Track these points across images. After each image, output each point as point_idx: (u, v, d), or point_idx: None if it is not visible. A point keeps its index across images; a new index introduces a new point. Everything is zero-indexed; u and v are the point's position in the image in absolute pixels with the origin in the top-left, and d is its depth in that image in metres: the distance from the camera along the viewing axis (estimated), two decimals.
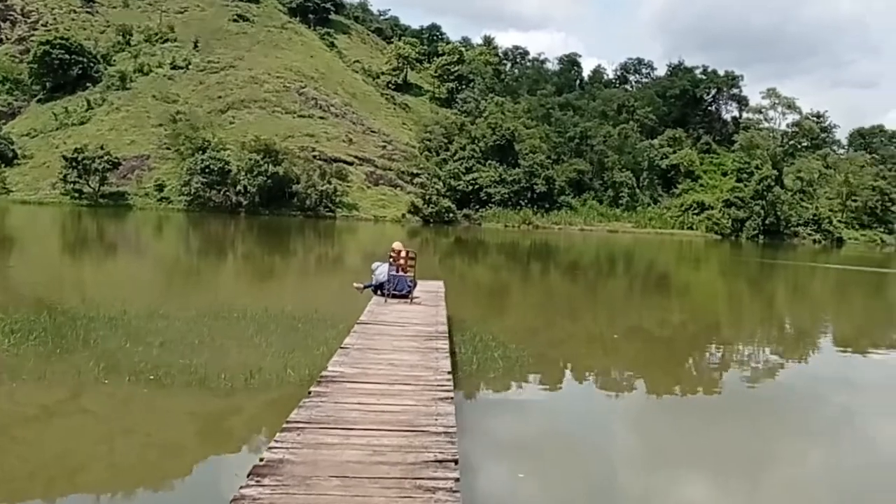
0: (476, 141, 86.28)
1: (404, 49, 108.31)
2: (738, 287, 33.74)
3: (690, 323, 20.09)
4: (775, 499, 7.32)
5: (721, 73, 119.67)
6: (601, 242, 63.58)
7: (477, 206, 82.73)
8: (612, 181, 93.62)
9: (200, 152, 66.04)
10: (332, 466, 4.79)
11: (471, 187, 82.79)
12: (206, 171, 65.05)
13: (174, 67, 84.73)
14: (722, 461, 8.31)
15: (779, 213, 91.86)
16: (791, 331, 20.32)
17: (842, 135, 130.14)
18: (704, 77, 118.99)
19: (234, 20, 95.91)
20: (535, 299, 23.35)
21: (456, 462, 4.90)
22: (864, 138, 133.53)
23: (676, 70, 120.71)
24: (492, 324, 15.41)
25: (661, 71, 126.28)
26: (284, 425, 5.52)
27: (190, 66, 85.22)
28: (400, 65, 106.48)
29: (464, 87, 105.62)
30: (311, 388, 6.55)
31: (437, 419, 5.74)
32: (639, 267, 42.07)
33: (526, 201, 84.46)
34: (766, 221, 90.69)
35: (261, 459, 4.86)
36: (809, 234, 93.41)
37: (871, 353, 16.65)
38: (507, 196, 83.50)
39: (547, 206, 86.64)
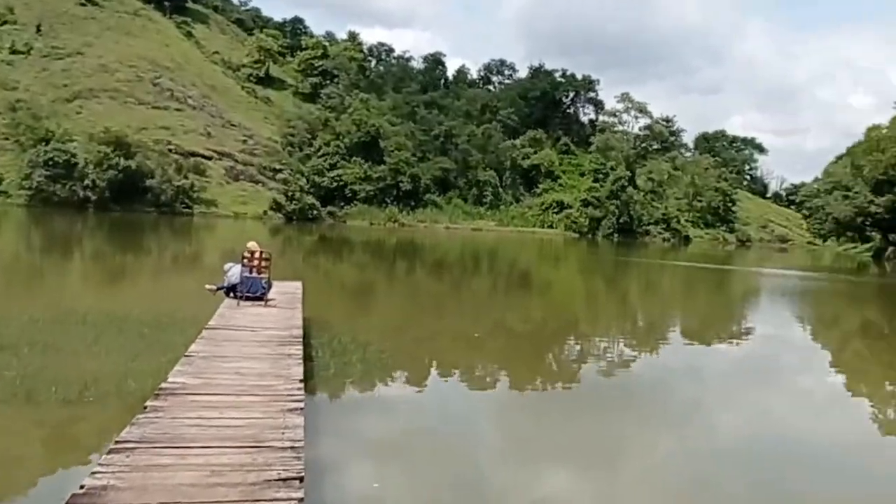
0: (341, 137, 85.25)
1: (266, 41, 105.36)
2: (594, 284, 34.98)
3: (551, 319, 20.52)
4: (631, 486, 7.43)
5: (579, 77, 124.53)
6: (466, 240, 64.40)
7: (342, 204, 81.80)
8: (477, 180, 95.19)
9: (43, 144, 61.35)
10: (162, 491, 4.31)
11: (335, 184, 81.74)
12: (50, 163, 60.54)
13: (13, 52, 78.29)
14: (582, 452, 8.39)
15: (632, 212, 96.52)
16: (643, 325, 21.14)
17: (689, 138, 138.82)
18: (564, 80, 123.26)
19: (82, 4, 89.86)
20: (399, 298, 23.16)
21: (301, 480, 4.54)
22: (709, 142, 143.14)
23: (537, 72, 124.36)
24: (355, 324, 15.06)
25: (522, 73, 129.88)
26: (112, 446, 4.96)
27: (32, 52, 79.03)
28: (262, 58, 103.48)
29: (328, 82, 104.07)
30: (147, 403, 5.97)
31: (283, 433, 5.34)
32: (502, 265, 42.85)
33: (391, 199, 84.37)
34: (621, 220, 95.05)
35: (81, 487, 4.31)
36: (660, 233, 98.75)
37: (715, 344, 17.60)
38: (372, 193, 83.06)
39: (412, 203, 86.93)
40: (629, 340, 17.54)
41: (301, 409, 5.96)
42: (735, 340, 18.63)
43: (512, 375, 12.18)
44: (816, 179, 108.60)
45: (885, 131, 76.52)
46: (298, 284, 14.30)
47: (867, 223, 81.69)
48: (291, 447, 5.05)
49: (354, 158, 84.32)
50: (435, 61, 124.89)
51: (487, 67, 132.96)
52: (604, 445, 8.68)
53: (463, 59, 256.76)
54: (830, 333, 21.62)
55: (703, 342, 17.89)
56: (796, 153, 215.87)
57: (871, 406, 11.99)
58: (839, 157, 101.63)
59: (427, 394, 10.56)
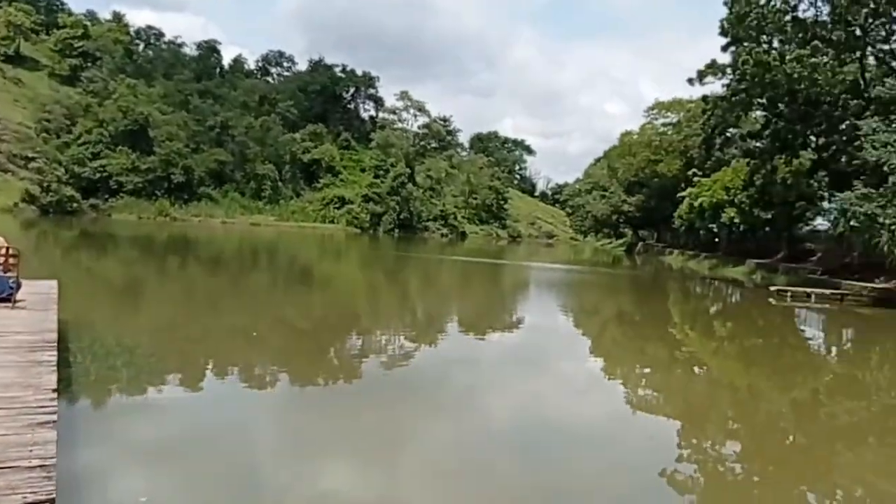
0: (104, 124, 78.98)
1: (16, 16, 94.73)
2: (375, 279, 35.31)
3: (332, 314, 20.38)
4: (410, 475, 7.54)
5: (360, 73, 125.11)
6: (243, 236, 62.34)
7: (106, 196, 75.92)
8: (255, 173, 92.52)
9: None
10: None
11: (98, 175, 75.67)
12: None
13: None
14: (362, 446, 8.37)
15: (412, 208, 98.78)
16: (422, 318, 21.65)
17: (464, 138, 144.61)
18: (344, 76, 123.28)
19: None
20: (172, 296, 21.84)
21: (52, 503, 4.08)
22: (483, 142, 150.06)
23: (317, 66, 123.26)
24: (121, 325, 14.00)
25: (302, 66, 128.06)
26: None
27: None
28: (11, 34, 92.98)
29: (90, 64, 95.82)
30: None
31: (31, 450, 4.76)
32: (282, 260, 41.98)
33: (162, 191, 79.68)
34: (401, 216, 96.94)
35: None
36: (438, 229, 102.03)
37: (489, 334, 18.41)
38: (140, 185, 77.91)
39: (186, 197, 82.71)
40: (409, 333, 17.87)
41: (53, 422, 5.36)
42: (507, 330, 19.62)
43: (292, 373, 11.91)
44: (578, 180, 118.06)
45: (635, 137, 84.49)
46: (53, 283, 12.96)
47: (621, 221, 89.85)
48: (41, 466, 4.53)
49: (120, 148, 78.54)
50: (209, 49, 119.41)
51: (266, 58, 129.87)
52: (384, 437, 8.73)
53: (240, 48, 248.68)
54: (591, 322, 23.47)
55: (478, 333, 18.64)
56: (561, 155, 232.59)
57: (624, 387, 13.15)
58: (597, 160, 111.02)
59: (202, 396, 10.02)
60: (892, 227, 26.35)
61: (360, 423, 9.32)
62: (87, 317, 13.56)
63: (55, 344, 8.03)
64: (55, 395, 6.06)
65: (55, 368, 6.93)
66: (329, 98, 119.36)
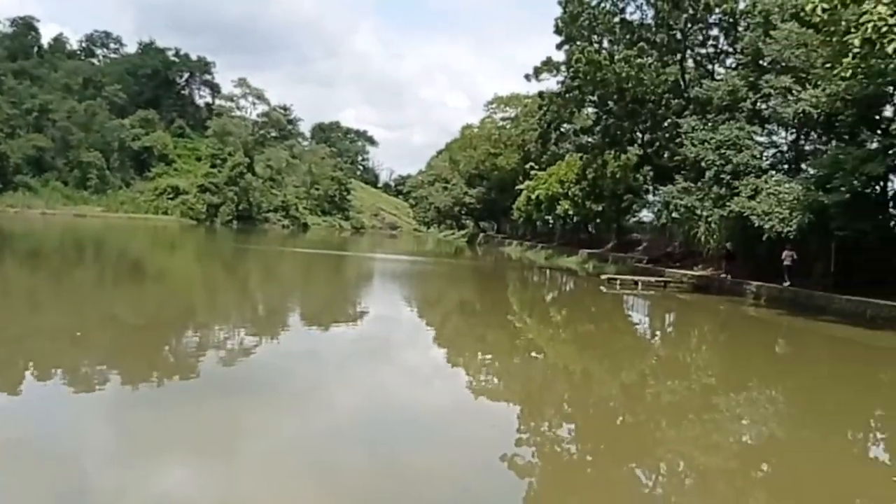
0: None
1: None
2: (213, 272, 34.00)
3: (167, 310, 19.37)
4: (252, 473, 7.27)
5: (194, 57, 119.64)
6: (67, 228, 58.09)
7: None
8: (79, 161, 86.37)
9: None
10: None
11: None
12: None
13: None
14: (202, 445, 8.01)
15: (251, 199, 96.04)
16: (264, 311, 21.09)
17: (305, 128, 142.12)
18: (177, 60, 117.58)
19: None
20: None
21: None
22: (324, 132, 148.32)
23: (148, 49, 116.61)
24: None
25: (131, 48, 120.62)
26: None
27: None
28: None
29: None
30: None
31: None
32: (111, 254, 39.48)
33: None
34: (240, 207, 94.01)
35: None
36: (279, 220, 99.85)
37: (333, 327, 18.20)
38: None
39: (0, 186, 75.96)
40: (250, 328, 17.31)
41: None
42: (351, 322, 19.49)
43: (124, 372, 11.15)
44: (421, 172, 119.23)
45: (476, 130, 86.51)
46: None
47: (463, 212, 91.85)
48: None
49: None
50: (26, 25, 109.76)
51: (90, 38, 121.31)
52: (225, 435, 8.40)
53: (61, 26, 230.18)
54: (434, 312, 23.78)
55: (321, 325, 18.38)
56: (403, 146, 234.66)
57: (467, 375, 13.41)
58: (440, 152, 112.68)
59: (20, 402, 9.20)
60: (709, 219, 28.63)
61: (197, 424, 8.90)
62: None
63: None
64: None
65: None
66: (161, 83, 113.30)
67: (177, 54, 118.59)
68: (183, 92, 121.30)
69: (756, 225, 25.10)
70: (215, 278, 30.97)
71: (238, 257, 43.59)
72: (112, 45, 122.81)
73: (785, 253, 26.49)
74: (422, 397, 11.39)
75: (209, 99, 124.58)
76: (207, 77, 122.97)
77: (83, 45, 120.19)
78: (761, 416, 11.22)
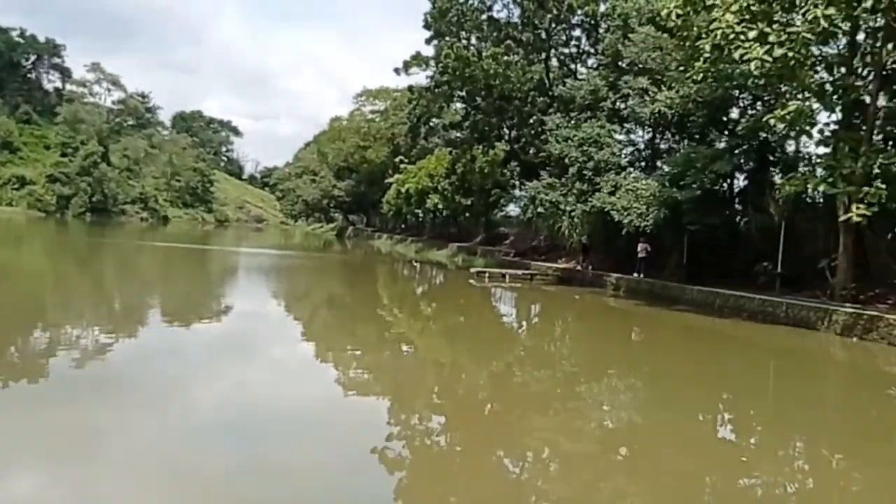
0: None
1: None
2: (64, 268, 31.89)
3: (11, 309, 17.93)
4: (111, 479, 6.87)
5: (42, 39, 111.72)
6: None
7: None
8: None
9: None
10: None
11: None
12: None
13: None
14: (55, 452, 7.43)
15: (106, 190, 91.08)
16: (121, 308, 20.00)
17: (165, 117, 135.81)
18: (22, 41, 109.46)
19: None
20: None
21: None
22: (186, 122, 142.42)
23: None
24: None
25: None
26: None
27: None
28: None
29: None
30: None
31: None
32: None
33: None
34: (94, 199, 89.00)
35: None
36: (137, 212, 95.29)
37: (195, 323, 17.47)
38: None
39: None
40: (106, 326, 16.31)
41: None
42: (215, 318, 18.80)
43: None
44: (288, 164, 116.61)
45: (345, 123, 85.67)
46: None
47: (332, 205, 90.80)
48: None
49: None
50: None
51: None
52: (80, 440, 7.84)
53: None
54: (302, 306, 23.31)
55: (183, 322, 17.61)
56: (269, 138, 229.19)
57: (336, 370, 13.20)
58: (307, 144, 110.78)
59: None
60: (572, 214, 29.68)
61: (50, 427, 8.25)
62: None
63: None
64: None
65: None
66: (4, 65, 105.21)
67: (22, 35, 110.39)
68: (29, 76, 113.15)
69: (616, 220, 26.24)
70: (66, 275, 29.04)
71: (91, 252, 41.18)
72: None
73: (640, 246, 28.02)
74: (289, 394, 11.09)
75: (59, 84, 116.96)
76: (57, 60, 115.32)
77: None
78: (621, 402, 11.69)
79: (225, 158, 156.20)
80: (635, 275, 28.31)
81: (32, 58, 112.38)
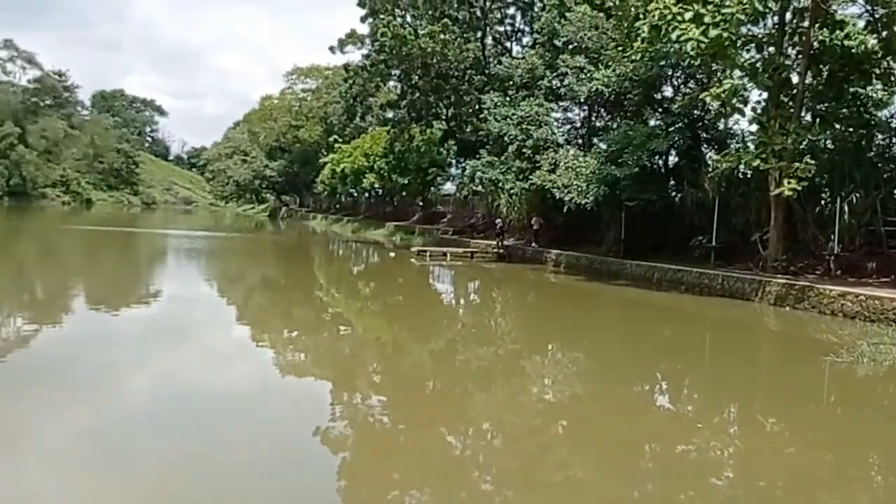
0: None
1: None
2: None
3: None
4: (42, 464, 6.58)
5: None
6: None
7: None
8: None
9: None
10: None
11: None
12: None
13: None
14: None
15: (25, 173, 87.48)
16: (43, 296, 19.12)
17: (85, 96, 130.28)
18: None
19: None
20: None
21: None
22: (107, 101, 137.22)
23: None
24: None
25: None
26: None
27: None
28: None
29: None
30: None
31: None
32: None
33: None
34: (11, 182, 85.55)
35: None
36: (58, 196, 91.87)
37: (123, 309, 16.83)
38: None
39: None
40: (26, 314, 15.53)
41: None
42: (144, 303, 18.15)
43: None
44: (216, 144, 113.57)
45: (276, 101, 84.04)
46: None
47: (264, 186, 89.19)
48: None
49: None
50: None
51: None
52: (4, 433, 7.39)
53: None
54: (235, 289, 22.74)
55: (110, 307, 16.89)
56: (196, 117, 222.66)
57: (273, 352, 12.85)
58: (237, 124, 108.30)
59: None
60: (511, 191, 29.79)
61: None
62: None
63: None
64: None
65: None
66: None
67: None
68: None
69: (557, 197, 26.38)
70: None
71: (9, 237, 39.41)
72: None
73: (534, 219, 31.18)
74: (225, 379, 10.70)
75: None
76: None
77: None
78: (563, 376, 11.71)
79: (150, 139, 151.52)
80: (532, 245, 31.65)
81: None
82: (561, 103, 31.11)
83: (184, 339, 13.73)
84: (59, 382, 9.64)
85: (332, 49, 53.31)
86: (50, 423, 7.90)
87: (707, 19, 17.59)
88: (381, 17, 39.23)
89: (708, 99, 19.75)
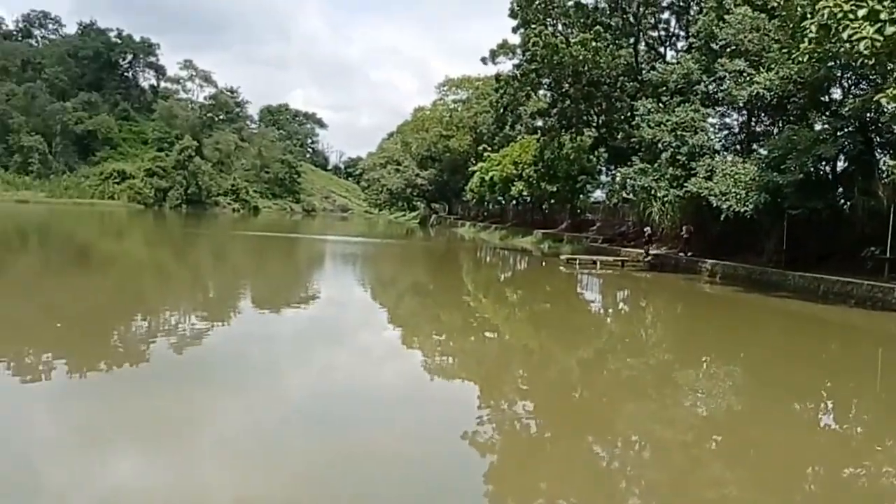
0: None
1: None
2: (164, 257, 33.15)
3: (115, 297, 18.71)
4: (207, 460, 7.03)
5: (137, 38, 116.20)
6: (8, 214, 56.12)
7: None
8: (20, 146, 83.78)
9: None
10: None
11: None
12: None
13: None
14: (153, 433, 7.65)
15: (200, 183, 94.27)
16: (215, 296, 20.59)
17: (253, 110, 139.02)
18: (120, 41, 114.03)
19: None
20: None
21: None
22: (273, 115, 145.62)
23: (88, 30, 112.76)
24: None
25: (70, 28, 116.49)
26: None
27: None
28: None
29: None
30: None
31: None
32: (55, 241, 38.24)
33: None
34: (189, 191, 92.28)
35: None
36: (229, 203, 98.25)
37: (285, 310, 17.84)
38: None
39: None
40: (201, 313, 16.83)
41: None
42: (303, 305, 19.12)
43: (70, 362, 10.60)
44: (370, 154, 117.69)
45: (428, 112, 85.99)
46: None
47: (415, 194, 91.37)
48: None
49: None
50: None
51: (27, 19, 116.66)
52: (177, 422, 8.06)
53: None
54: (387, 293, 23.49)
55: (273, 308, 17.98)
56: (351, 128, 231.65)
57: (423, 355, 13.19)
58: (391, 135, 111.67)
59: None
60: (665, 199, 28.98)
61: (148, 410, 8.50)
62: None
63: None
64: None
65: None
66: (104, 65, 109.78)
67: (119, 35, 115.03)
68: (126, 74, 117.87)
69: (714, 205, 25.40)
70: (166, 264, 30.19)
71: (188, 242, 42.67)
72: (51, 26, 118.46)
73: (684, 227, 30.52)
74: (377, 378, 11.13)
75: (154, 81, 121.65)
76: (152, 59, 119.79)
77: (20, 25, 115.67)
78: (719, 389, 11.25)
79: (311, 150, 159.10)
80: (683, 254, 30.77)
81: (129, 57, 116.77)
82: (718, 108, 29.94)
83: (339, 339, 14.37)
84: (227, 377, 10.38)
85: (483, 60, 54.11)
86: (217, 415, 8.54)
87: (884, 16, 16.32)
88: (533, 26, 39.28)
89: (883, 101, 18.31)
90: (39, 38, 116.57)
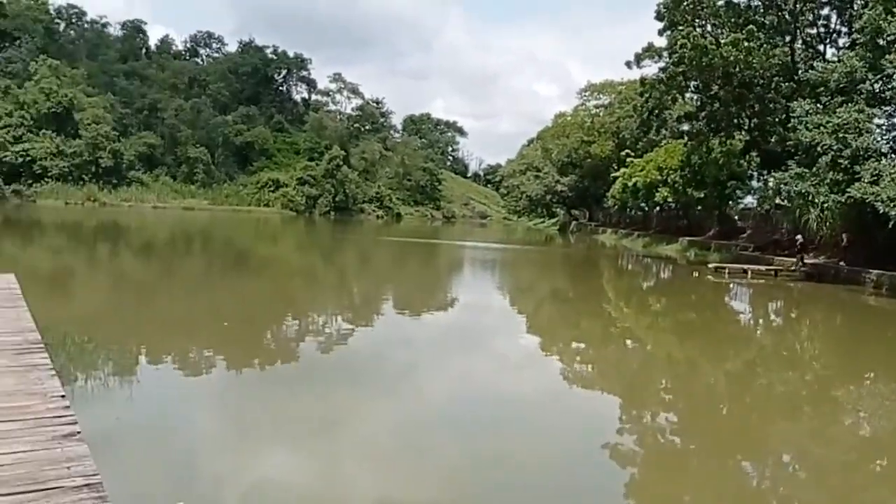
0: (26, 107, 75.48)
1: None
2: (313, 261, 34.74)
3: (271, 297, 19.84)
4: (352, 458, 7.33)
5: (291, 54, 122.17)
6: (177, 220, 60.56)
7: (30, 181, 72.74)
8: (186, 157, 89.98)
9: None
10: None
11: (21, 159, 72.45)
12: None
13: None
14: (302, 429, 8.11)
15: (347, 190, 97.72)
16: (360, 299, 21.33)
17: (397, 120, 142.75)
18: (275, 57, 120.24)
19: None
20: (104, 283, 21.01)
21: None
22: (415, 124, 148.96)
23: (247, 48, 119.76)
24: (87, 321, 13.13)
25: (232, 47, 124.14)
26: None
27: None
28: None
29: (7, 44, 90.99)
30: None
31: (69, 467, 3.93)
32: (217, 245, 40.92)
33: (90, 176, 76.62)
34: (337, 199, 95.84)
35: None
36: (374, 210, 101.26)
37: (425, 314, 18.27)
38: (67, 170, 74.80)
39: (115, 181, 79.80)
40: (346, 315, 17.53)
41: (79, 433, 4.47)
42: (443, 309, 19.46)
43: (230, 358, 11.35)
44: (510, 161, 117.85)
45: (569, 118, 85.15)
46: (11, 277, 11.10)
47: (554, 200, 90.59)
48: (87, 485, 3.72)
49: (44, 131, 75.17)
50: (135, 28, 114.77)
51: (194, 39, 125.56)
52: (324, 420, 8.47)
53: (166, 28, 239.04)
54: (526, 299, 23.47)
55: (414, 312, 18.43)
56: (491, 136, 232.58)
57: (562, 363, 13.12)
58: (531, 141, 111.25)
59: (146, 386, 9.45)
60: (824, 205, 27.24)
61: (298, 407, 9.00)
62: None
63: (41, 344, 6.86)
64: (67, 402, 5.11)
65: (54, 372, 5.91)
66: (261, 80, 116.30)
67: (275, 52, 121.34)
68: (281, 88, 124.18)
69: (881, 211, 23.67)
70: (314, 267, 31.62)
71: (336, 246, 44.43)
72: (214, 45, 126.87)
73: (844, 236, 29.07)
74: (516, 384, 11.17)
75: (306, 94, 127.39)
76: (304, 73, 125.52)
77: (188, 45, 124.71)
78: (883, 410, 10.49)
79: (451, 158, 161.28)
80: (841, 264, 28.98)
81: (283, 72, 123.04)
82: (885, 108, 27.84)
83: (478, 344, 14.54)
84: (367, 378, 10.75)
85: (628, 64, 52.97)
86: (357, 415, 8.87)
87: None
88: (681, 28, 38.15)
89: None
90: (204, 57, 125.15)
